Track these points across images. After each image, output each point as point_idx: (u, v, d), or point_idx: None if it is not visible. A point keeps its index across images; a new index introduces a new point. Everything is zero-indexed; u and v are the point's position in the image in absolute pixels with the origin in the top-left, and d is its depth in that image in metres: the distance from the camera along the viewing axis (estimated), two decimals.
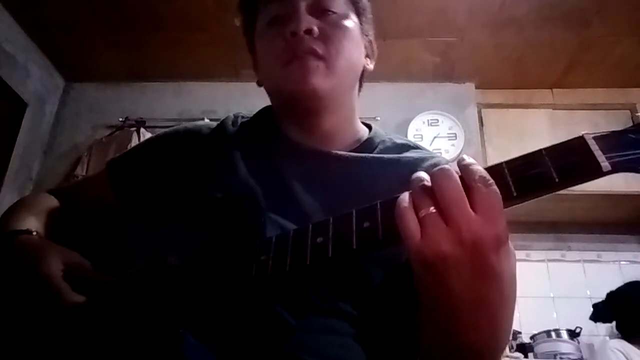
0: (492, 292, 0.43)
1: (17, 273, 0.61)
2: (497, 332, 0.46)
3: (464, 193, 0.42)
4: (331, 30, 0.74)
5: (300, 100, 0.74)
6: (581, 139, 0.44)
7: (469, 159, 0.45)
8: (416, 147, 0.80)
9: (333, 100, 0.75)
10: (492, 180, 0.43)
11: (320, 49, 0.72)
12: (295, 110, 0.77)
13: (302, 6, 0.73)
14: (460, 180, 0.44)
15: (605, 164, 0.42)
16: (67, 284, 0.59)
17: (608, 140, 0.44)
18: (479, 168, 0.44)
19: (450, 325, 0.45)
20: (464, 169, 0.44)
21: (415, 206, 0.44)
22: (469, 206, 0.42)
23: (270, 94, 0.83)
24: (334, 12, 0.75)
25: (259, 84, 0.84)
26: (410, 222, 0.43)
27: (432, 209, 0.43)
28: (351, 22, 0.77)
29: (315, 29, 0.72)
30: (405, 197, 0.45)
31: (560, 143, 0.45)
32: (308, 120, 0.77)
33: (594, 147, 0.43)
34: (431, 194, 0.43)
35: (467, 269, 0.42)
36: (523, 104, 2.80)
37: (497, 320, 0.45)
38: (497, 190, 0.43)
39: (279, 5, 0.75)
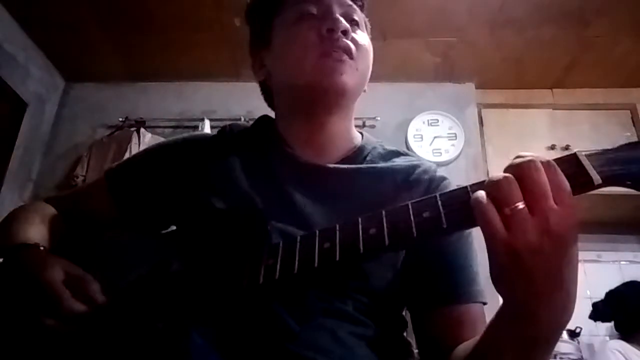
0: (571, 274, 0.46)
1: (22, 282, 0.62)
2: (571, 306, 0.48)
3: (549, 186, 0.44)
4: (359, 35, 0.78)
5: (326, 94, 0.76)
6: (574, 156, 0.48)
7: (528, 154, 0.47)
8: (405, 154, 0.83)
9: (349, 101, 0.79)
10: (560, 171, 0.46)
11: (353, 50, 0.75)
12: (310, 106, 0.78)
13: (337, 10, 0.78)
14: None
15: (596, 177, 0.46)
16: (67, 291, 0.60)
17: (598, 157, 0.48)
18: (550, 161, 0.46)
19: (531, 310, 0.47)
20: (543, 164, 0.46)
21: (500, 202, 0.44)
22: (552, 198, 0.44)
23: (285, 89, 0.83)
24: (358, 25, 0.80)
25: (260, 83, 0.86)
26: (494, 219, 0.44)
27: (521, 205, 0.44)
28: (367, 36, 0.82)
29: (350, 32, 0.76)
30: (482, 195, 0.46)
31: (555, 159, 0.47)
32: (317, 120, 0.79)
33: (586, 162, 0.47)
34: (515, 188, 0.44)
35: (553, 257, 0.44)
36: (523, 104, 2.80)
37: (572, 296, 0.48)
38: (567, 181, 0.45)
39: (312, 4, 0.78)
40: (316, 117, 0.79)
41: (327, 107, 0.78)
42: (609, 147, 0.49)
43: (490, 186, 0.45)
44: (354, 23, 0.79)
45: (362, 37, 0.79)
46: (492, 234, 0.44)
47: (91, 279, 0.63)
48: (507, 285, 0.47)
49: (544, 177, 0.44)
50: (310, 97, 0.77)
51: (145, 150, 0.91)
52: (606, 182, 0.47)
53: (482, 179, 0.49)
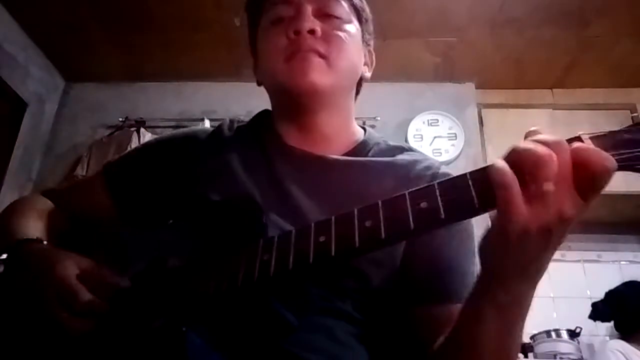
0: (552, 254, 0.47)
1: (33, 279, 0.62)
2: (540, 279, 0.50)
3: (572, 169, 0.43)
4: (334, 32, 0.76)
5: (299, 95, 0.75)
6: (578, 139, 0.45)
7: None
8: (409, 150, 0.81)
9: (331, 99, 0.77)
10: None
11: (322, 48, 0.73)
12: (294, 108, 0.78)
13: (308, 9, 0.76)
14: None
15: None
16: (82, 286, 0.60)
17: (604, 140, 0.45)
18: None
19: (508, 281, 0.49)
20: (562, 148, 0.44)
21: (531, 176, 0.43)
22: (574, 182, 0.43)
23: (270, 92, 0.83)
24: (338, 18, 0.78)
25: (259, 84, 0.85)
26: (517, 195, 0.43)
27: (549, 184, 0.42)
28: (354, 28, 0.80)
29: (319, 30, 0.74)
30: (506, 168, 0.44)
31: None
32: (306, 120, 0.78)
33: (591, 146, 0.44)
34: (553, 165, 0.42)
35: (556, 240, 0.45)
36: (523, 104, 2.80)
37: (544, 271, 0.49)
38: None
39: (284, 6, 0.77)
40: (305, 117, 0.78)
41: (309, 107, 0.77)
42: (615, 129, 0.46)
43: (528, 159, 0.43)
44: (329, 17, 0.77)
45: (341, 29, 0.77)
46: (511, 210, 0.43)
47: (103, 268, 0.62)
48: (498, 258, 0.47)
49: (570, 160, 0.43)
50: (289, 100, 0.77)
51: (144, 145, 0.91)
52: None
53: None
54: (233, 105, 2.68)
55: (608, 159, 0.42)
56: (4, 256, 0.68)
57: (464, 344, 0.56)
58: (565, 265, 2.79)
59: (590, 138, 0.45)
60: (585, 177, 0.43)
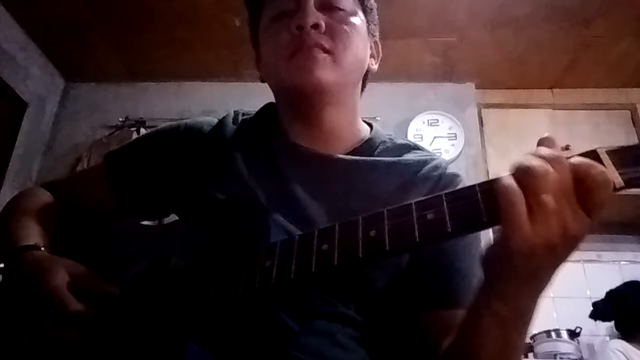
0: (557, 270, 0.47)
1: (23, 291, 0.61)
2: (543, 292, 0.50)
3: (573, 185, 0.43)
4: (338, 25, 0.73)
5: (304, 93, 0.72)
6: (594, 153, 0.44)
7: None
8: (416, 148, 0.79)
9: (337, 95, 0.74)
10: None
11: (326, 43, 0.71)
12: (298, 105, 0.76)
13: (310, 2, 0.73)
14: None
15: (618, 180, 0.42)
16: (71, 295, 0.59)
17: (621, 155, 0.43)
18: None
19: (515, 298, 0.48)
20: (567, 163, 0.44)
21: (531, 191, 0.42)
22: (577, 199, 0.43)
23: (274, 89, 0.81)
24: (342, 9, 0.75)
25: (262, 80, 0.83)
26: (522, 211, 0.42)
27: (551, 199, 0.41)
28: (359, 20, 0.77)
29: (322, 24, 0.71)
30: (511, 181, 0.43)
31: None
32: (311, 117, 0.76)
33: (607, 162, 0.42)
34: (552, 180, 0.42)
35: (561, 257, 0.45)
36: (523, 104, 2.80)
37: (547, 285, 0.49)
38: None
39: (286, 0, 0.75)
40: (310, 114, 0.76)
41: (314, 104, 0.74)
42: (634, 144, 0.43)
43: (525, 173, 0.43)
44: (333, 9, 0.74)
45: (345, 22, 0.74)
46: (515, 227, 0.42)
47: (95, 276, 0.61)
48: (499, 273, 0.47)
49: (569, 174, 0.42)
50: (294, 97, 0.75)
51: (146, 135, 0.88)
52: (629, 184, 0.42)
53: (482, 179, 0.47)
54: (233, 105, 2.62)
55: (604, 173, 0.41)
56: (1, 265, 0.67)
57: (465, 353, 0.55)
58: (565, 265, 2.77)
59: (607, 152, 0.43)
60: (586, 193, 0.42)
